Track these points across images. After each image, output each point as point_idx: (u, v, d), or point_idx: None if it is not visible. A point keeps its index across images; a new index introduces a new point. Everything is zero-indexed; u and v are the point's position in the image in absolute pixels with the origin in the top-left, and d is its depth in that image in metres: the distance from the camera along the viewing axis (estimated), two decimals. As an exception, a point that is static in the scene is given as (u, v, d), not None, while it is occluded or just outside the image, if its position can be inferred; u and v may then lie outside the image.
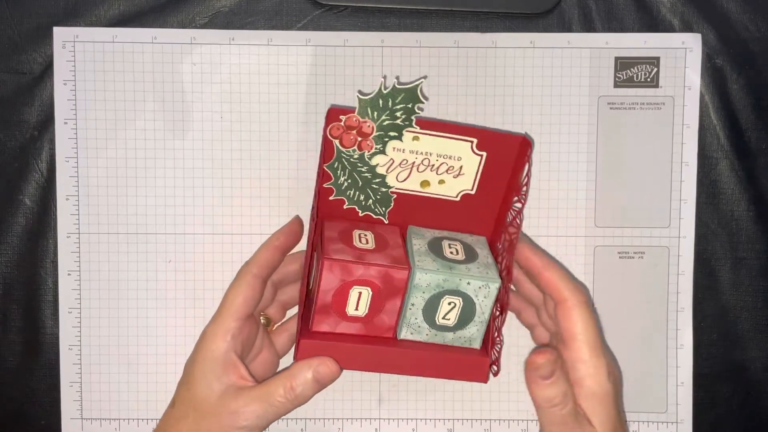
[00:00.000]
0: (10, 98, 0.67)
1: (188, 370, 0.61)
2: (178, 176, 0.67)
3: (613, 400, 0.58)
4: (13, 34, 0.67)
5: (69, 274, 0.68)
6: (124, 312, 0.68)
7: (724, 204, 0.68)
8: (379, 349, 0.60)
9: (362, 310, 0.59)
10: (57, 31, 0.67)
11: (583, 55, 0.67)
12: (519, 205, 0.60)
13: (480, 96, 0.67)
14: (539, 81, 0.67)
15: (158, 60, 0.67)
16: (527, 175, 0.59)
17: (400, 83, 0.57)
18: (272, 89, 0.67)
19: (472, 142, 0.60)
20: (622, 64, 0.67)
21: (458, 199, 0.63)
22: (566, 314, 0.58)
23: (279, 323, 0.66)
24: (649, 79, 0.67)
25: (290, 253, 0.65)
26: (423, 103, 0.58)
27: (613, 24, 0.67)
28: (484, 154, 0.61)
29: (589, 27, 0.67)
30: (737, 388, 0.69)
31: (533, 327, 0.65)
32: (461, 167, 0.61)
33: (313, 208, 0.61)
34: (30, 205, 0.68)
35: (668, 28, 0.67)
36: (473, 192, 0.62)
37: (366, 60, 0.67)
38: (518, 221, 0.60)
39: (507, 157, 0.61)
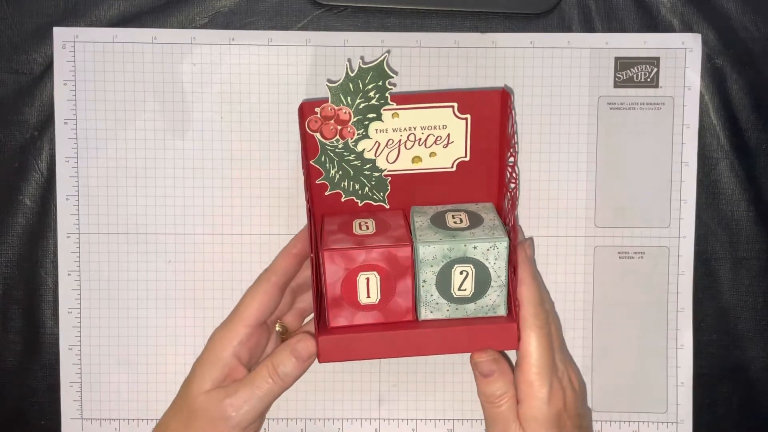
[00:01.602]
0: (10, 98, 0.67)
1: (192, 368, 0.62)
2: (178, 176, 0.67)
3: (554, 426, 0.59)
4: (13, 34, 0.67)
5: (69, 274, 0.68)
6: (124, 312, 0.68)
7: (724, 204, 0.68)
8: (399, 333, 0.59)
9: (374, 297, 0.59)
10: (57, 31, 0.67)
11: (583, 55, 0.67)
12: (512, 159, 0.59)
13: (480, 96, 0.67)
14: (539, 81, 0.67)
15: (158, 60, 0.67)
16: (513, 125, 0.59)
17: (364, 63, 0.57)
18: (272, 89, 0.67)
19: (452, 106, 0.60)
20: (622, 64, 0.67)
21: (454, 169, 0.62)
22: (522, 334, 0.59)
23: (294, 332, 0.66)
24: (649, 79, 0.67)
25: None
26: (393, 77, 0.58)
27: (613, 24, 0.67)
28: (468, 116, 0.60)
29: (589, 27, 0.67)
30: (737, 388, 0.69)
31: None
32: (449, 135, 0.60)
33: (307, 209, 0.60)
34: (30, 205, 0.68)
35: (668, 28, 0.67)
36: (467, 158, 0.62)
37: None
38: (515, 175, 0.59)
39: (492, 115, 0.60)
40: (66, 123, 0.67)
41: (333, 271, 0.58)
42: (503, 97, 0.60)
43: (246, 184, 0.68)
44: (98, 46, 0.67)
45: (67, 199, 0.67)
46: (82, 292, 0.68)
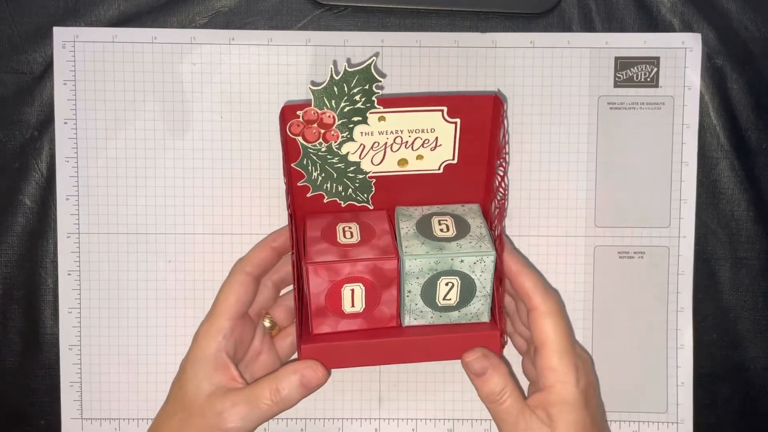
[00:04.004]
0: (10, 98, 0.67)
1: (181, 368, 0.61)
2: (178, 176, 0.67)
3: (583, 406, 0.58)
4: (13, 34, 0.67)
5: (69, 274, 0.68)
6: (124, 312, 0.68)
7: (724, 204, 0.68)
8: (383, 341, 0.59)
9: (359, 306, 0.59)
10: (57, 31, 0.67)
11: (583, 55, 0.67)
12: (502, 169, 0.59)
13: (480, 96, 0.67)
14: (539, 81, 0.67)
15: (158, 60, 0.67)
16: (504, 135, 0.58)
17: (350, 66, 0.55)
18: (272, 89, 0.67)
19: (441, 110, 0.58)
20: (622, 63, 0.67)
21: (441, 171, 0.61)
22: (537, 322, 0.59)
23: (285, 328, 0.65)
24: (649, 79, 0.67)
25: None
26: (380, 81, 0.56)
27: (613, 24, 0.67)
28: (458, 120, 0.58)
29: (589, 27, 0.67)
30: (737, 388, 0.69)
31: (510, 335, 0.65)
32: (437, 138, 0.59)
33: (288, 214, 0.60)
34: (30, 205, 0.68)
35: (668, 28, 0.67)
36: (455, 161, 0.60)
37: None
38: (504, 185, 0.59)
39: (482, 120, 0.59)
40: (66, 123, 0.67)
41: (317, 283, 0.58)
42: (495, 103, 0.58)
43: (246, 184, 0.68)
44: (98, 46, 0.67)
45: (67, 199, 0.67)
46: (82, 292, 0.68)
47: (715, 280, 0.69)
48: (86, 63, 0.67)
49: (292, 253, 0.59)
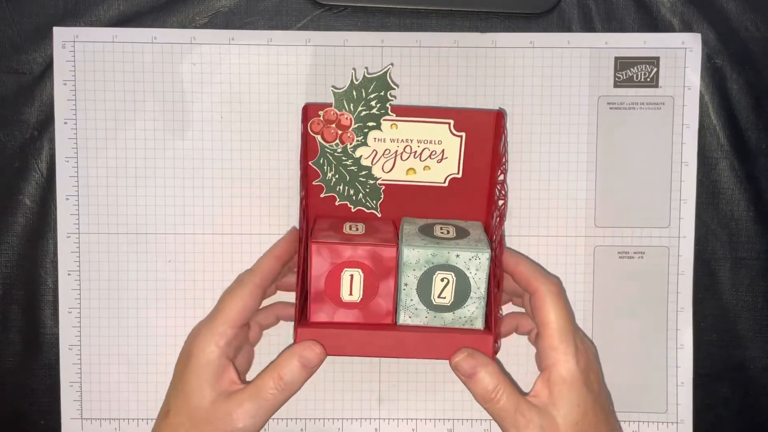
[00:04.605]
0: (10, 98, 0.67)
1: (180, 375, 0.60)
2: (178, 176, 0.67)
3: (584, 385, 0.58)
4: (13, 34, 0.67)
5: (69, 274, 0.68)
6: (124, 312, 0.68)
7: (724, 204, 0.68)
8: (377, 333, 0.59)
9: (357, 295, 0.60)
10: (57, 31, 0.67)
11: (583, 55, 0.67)
12: (502, 177, 0.61)
13: (480, 96, 0.67)
14: (539, 81, 0.67)
15: (158, 60, 0.67)
16: (504, 144, 0.61)
17: (369, 73, 0.59)
18: (272, 89, 0.67)
19: (449, 123, 0.61)
20: (622, 64, 0.67)
21: (446, 184, 0.63)
22: (539, 304, 0.59)
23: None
24: (648, 79, 0.67)
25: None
26: (394, 89, 0.60)
27: (613, 24, 0.67)
28: (463, 134, 0.62)
29: (588, 27, 0.67)
30: (737, 388, 0.69)
31: (530, 333, 0.65)
32: (443, 151, 0.62)
33: (301, 208, 0.61)
34: (30, 205, 0.68)
35: (668, 28, 0.67)
36: (460, 175, 0.63)
37: (366, 60, 0.67)
38: (504, 192, 0.61)
39: (486, 135, 0.62)
40: (66, 123, 0.67)
41: (319, 264, 0.59)
42: (497, 118, 0.61)
43: (246, 184, 0.68)
44: (98, 46, 0.67)
45: (67, 199, 0.67)
46: (82, 292, 0.68)
47: (715, 280, 0.69)
48: (86, 63, 0.67)
49: (299, 247, 0.61)
